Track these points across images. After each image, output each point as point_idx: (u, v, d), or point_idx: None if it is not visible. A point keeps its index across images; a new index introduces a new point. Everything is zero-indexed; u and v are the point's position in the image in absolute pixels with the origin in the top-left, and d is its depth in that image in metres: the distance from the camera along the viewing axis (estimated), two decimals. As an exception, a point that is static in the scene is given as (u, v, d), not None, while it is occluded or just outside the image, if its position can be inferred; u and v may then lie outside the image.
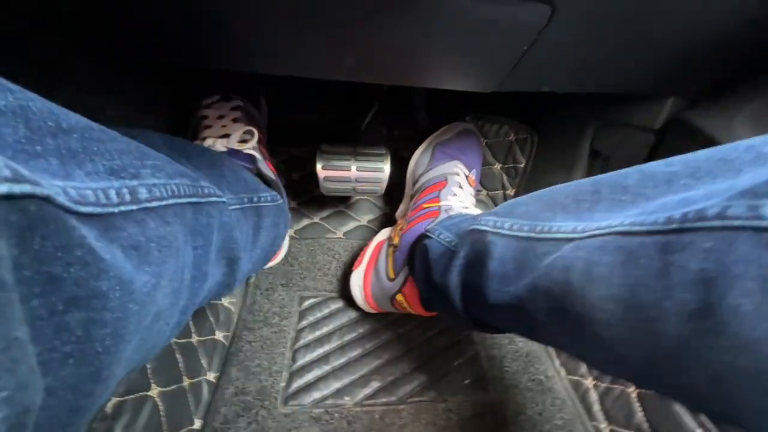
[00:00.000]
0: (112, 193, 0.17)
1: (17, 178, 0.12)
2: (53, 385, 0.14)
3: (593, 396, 0.45)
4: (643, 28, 0.29)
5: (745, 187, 0.16)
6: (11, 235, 0.12)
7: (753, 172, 0.17)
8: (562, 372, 0.49)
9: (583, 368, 0.47)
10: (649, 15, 0.28)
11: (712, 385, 0.17)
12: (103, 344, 0.16)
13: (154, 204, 0.20)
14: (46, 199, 0.13)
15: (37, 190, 0.12)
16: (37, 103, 0.15)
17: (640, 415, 0.40)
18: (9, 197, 0.11)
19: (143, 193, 0.19)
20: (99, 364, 0.16)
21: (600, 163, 0.50)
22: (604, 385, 0.45)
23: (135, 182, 0.19)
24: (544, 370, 0.48)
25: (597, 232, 0.21)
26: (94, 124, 0.18)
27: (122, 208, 0.17)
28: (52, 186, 0.13)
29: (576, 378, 0.47)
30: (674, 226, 0.17)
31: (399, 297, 0.45)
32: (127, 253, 0.17)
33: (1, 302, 0.11)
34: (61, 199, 0.14)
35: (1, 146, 0.13)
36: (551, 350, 0.51)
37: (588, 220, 0.23)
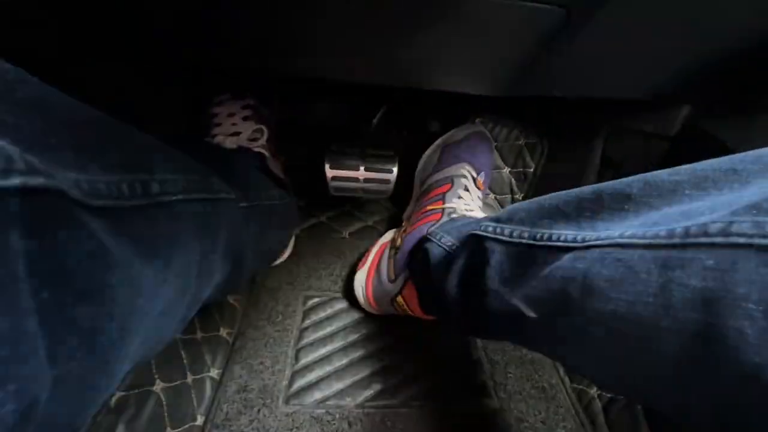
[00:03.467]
0: (125, 187, 0.17)
1: (31, 171, 0.12)
2: (61, 377, 0.14)
3: (597, 406, 0.44)
4: (660, 34, 0.29)
5: (751, 201, 0.15)
6: (24, 227, 0.12)
7: (760, 184, 0.17)
8: (567, 380, 0.48)
9: (589, 377, 0.47)
10: (666, 22, 0.27)
11: (712, 409, 0.16)
12: (110, 337, 0.16)
13: (165, 199, 0.20)
14: (60, 193, 0.13)
15: (51, 183, 0.12)
16: (54, 95, 0.15)
17: (646, 428, 0.39)
18: (23, 190, 0.11)
19: (155, 187, 0.19)
20: (106, 357, 0.16)
21: (611, 170, 0.49)
22: (608, 395, 0.44)
23: (147, 176, 0.19)
24: (548, 378, 0.48)
25: (597, 242, 0.20)
26: (109, 118, 0.18)
27: (134, 202, 0.17)
28: (65, 179, 0.13)
29: (580, 387, 0.46)
30: (676, 240, 0.17)
31: (399, 299, 0.44)
32: (137, 248, 0.17)
33: (12, 294, 0.11)
34: (74, 193, 0.14)
35: (17, 138, 0.13)
36: (556, 358, 0.51)
37: (589, 230, 0.22)
